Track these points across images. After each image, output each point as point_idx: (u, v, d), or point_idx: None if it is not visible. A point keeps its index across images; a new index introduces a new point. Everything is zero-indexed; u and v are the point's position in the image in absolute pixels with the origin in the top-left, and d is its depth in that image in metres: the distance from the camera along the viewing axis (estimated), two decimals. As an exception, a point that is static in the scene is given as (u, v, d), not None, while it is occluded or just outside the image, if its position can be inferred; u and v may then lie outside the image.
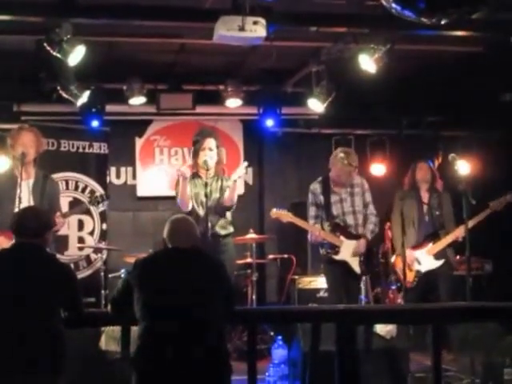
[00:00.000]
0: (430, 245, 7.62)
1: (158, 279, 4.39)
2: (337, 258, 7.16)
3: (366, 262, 7.29)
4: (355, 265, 7.20)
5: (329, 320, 5.43)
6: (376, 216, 7.39)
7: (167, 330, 4.25)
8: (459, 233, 7.42)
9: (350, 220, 7.24)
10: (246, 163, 6.94)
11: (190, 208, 6.74)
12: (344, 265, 7.17)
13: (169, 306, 4.30)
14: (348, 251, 7.17)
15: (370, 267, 7.43)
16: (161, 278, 4.40)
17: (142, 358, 4.26)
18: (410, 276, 7.58)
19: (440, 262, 7.59)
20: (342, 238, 7.19)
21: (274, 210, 7.40)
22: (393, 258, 7.87)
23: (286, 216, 7.30)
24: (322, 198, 7.23)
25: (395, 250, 7.80)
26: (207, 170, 6.62)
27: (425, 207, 7.73)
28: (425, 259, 7.62)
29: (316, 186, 7.30)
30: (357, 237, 7.22)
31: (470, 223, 7.15)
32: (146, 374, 4.26)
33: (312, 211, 7.28)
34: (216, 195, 6.78)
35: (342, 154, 7.24)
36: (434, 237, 7.65)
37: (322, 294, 8.45)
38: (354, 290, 7.34)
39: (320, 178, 7.37)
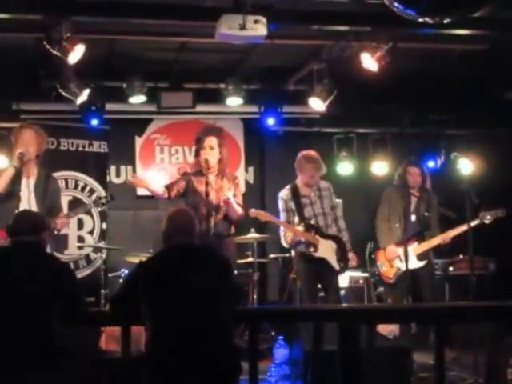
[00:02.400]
0: (415, 244, 7.61)
1: (164, 280, 4.34)
2: (316, 255, 7.31)
3: (344, 259, 7.45)
4: (334, 262, 7.39)
5: (331, 319, 5.40)
6: (342, 219, 7.63)
7: (176, 330, 4.23)
8: (446, 237, 7.52)
9: (320, 221, 7.44)
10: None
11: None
12: (322, 261, 7.34)
13: (176, 306, 4.27)
14: (324, 249, 7.34)
15: (347, 265, 7.53)
16: (166, 278, 4.35)
17: (153, 360, 4.23)
18: (390, 272, 7.67)
19: (422, 263, 7.60)
20: (317, 236, 7.35)
21: (253, 209, 7.46)
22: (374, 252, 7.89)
23: (263, 215, 7.43)
24: (292, 203, 7.44)
25: (377, 244, 7.84)
26: (208, 168, 6.60)
27: (412, 206, 7.73)
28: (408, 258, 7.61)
29: (286, 193, 7.50)
30: (330, 237, 7.42)
31: (452, 232, 7.44)
32: (157, 374, 4.22)
33: (283, 217, 7.46)
34: (219, 194, 6.74)
35: (304, 160, 7.48)
36: (419, 237, 7.64)
37: (323, 293, 8.42)
38: (335, 286, 7.53)
39: (288, 186, 7.55)
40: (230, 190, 6.82)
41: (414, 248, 7.56)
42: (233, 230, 6.92)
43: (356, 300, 8.23)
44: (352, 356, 5.10)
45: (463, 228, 7.24)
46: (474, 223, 7.20)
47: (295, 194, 7.44)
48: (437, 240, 7.57)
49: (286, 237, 7.40)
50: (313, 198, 7.45)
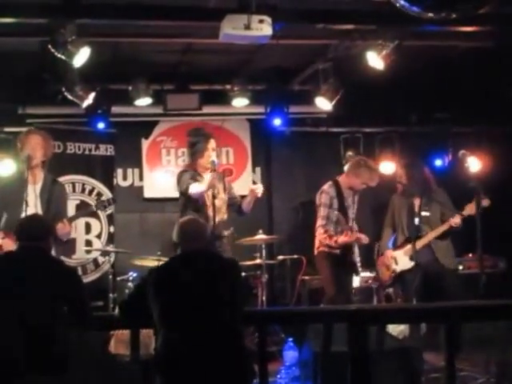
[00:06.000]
0: (408, 246, 7.65)
1: (175, 286, 4.35)
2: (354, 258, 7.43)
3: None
4: (358, 266, 7.49)
5: (341, 320, 5.38)
6: None
7: (187, 335, 4.23)
8: (444, 227, 7.62)
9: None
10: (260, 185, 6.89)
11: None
12: (354, 266, 7.44)
13: (188, 311, 4.27)
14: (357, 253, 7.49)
15: None
16: (177, 285, 4.36)
17: (165, 365, 4.23)
18: (386, 275, 7.88)
19: (412, 263, 7.58)
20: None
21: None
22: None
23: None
24: (336, 200, 7.35)
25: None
26: (214, 170, 6.59)
27: (415, 212, 7.75)
28: (401, 259, 7.75)
29: (332, 189, 7.39)
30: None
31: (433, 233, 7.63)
32: (168, 379, 4.22)
33: (324, 212, 7.33)
34: (222, 195, 6.75)
35: (367, 168, 7.43)
36: (412, 238, 7.65)
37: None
38: (351, 289, 7.65)
39: (330, 182, 7.46)
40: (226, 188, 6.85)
41: (406, 250, 7.68)
42: (230, 229, 6.95)
43: (365, 300, 8.20)
44: (362, 357, 5.08)
45: (443, 228, 7.58)
46: (460, 217, 7.45)
47: (339, 193, 7.38)
48: (434, 233, 7.66)
49: (331, 237, 7.27)
50: (350, 201, 7.46)
